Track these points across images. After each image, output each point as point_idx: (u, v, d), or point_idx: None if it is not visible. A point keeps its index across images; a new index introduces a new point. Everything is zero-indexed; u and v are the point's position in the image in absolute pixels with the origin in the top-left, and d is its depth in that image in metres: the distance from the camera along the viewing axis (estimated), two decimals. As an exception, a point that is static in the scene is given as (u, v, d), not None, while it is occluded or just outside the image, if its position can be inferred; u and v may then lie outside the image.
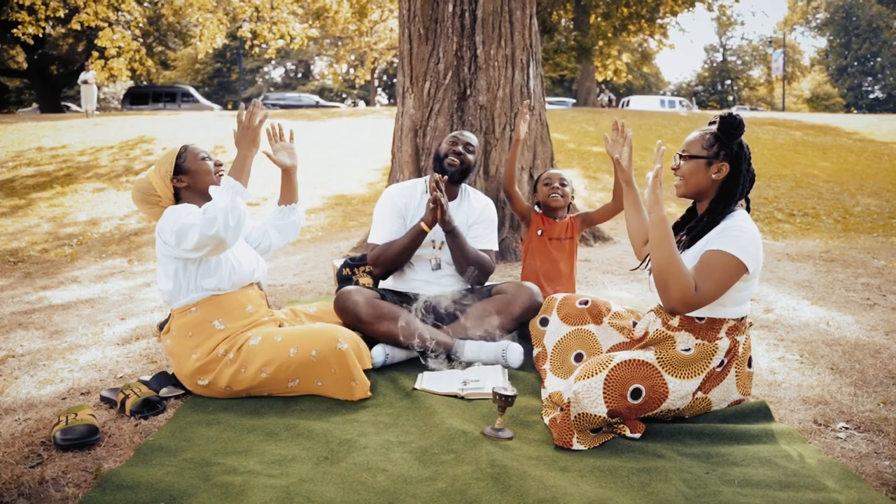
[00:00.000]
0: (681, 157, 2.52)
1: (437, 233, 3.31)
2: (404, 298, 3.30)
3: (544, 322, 3.02)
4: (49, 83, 33.58)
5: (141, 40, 22.70)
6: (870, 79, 54.06)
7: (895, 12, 50.60)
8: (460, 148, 3.39)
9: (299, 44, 16.63)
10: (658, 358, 2.35)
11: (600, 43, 28.80)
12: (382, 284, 3.49)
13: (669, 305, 2.35)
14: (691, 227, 2.54)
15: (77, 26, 15.12)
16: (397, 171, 5.75)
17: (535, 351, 3.01)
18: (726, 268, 2.31)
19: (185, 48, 43.58)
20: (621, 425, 2.29)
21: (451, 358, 3.03)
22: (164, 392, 2.64)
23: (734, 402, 2.49)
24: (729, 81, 56.68)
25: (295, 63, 55.38)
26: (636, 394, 2.27)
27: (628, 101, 36.24)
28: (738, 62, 56.97)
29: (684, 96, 50.45)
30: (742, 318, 2.46)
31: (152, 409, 2.49)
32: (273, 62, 53.05)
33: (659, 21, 28.66)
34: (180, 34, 39.98)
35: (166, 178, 2.69)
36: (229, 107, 35.46)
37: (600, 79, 31.50)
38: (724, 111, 2.49)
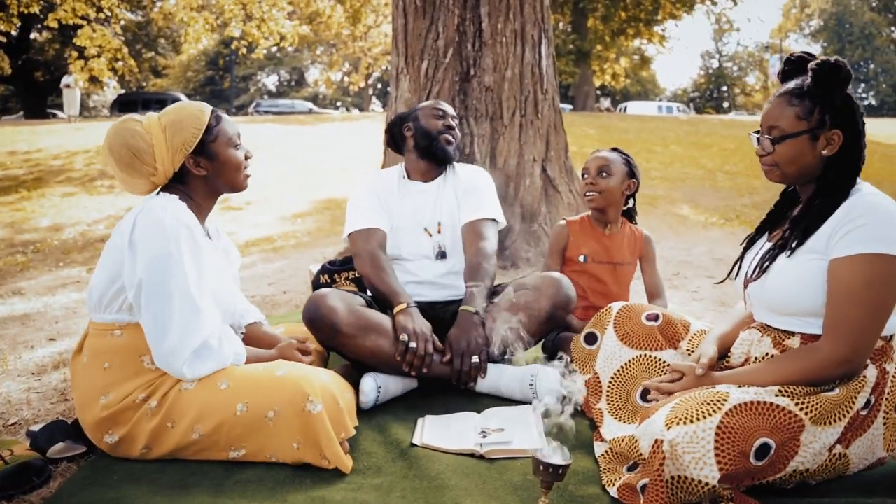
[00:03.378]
0: (770, 140, 1.76)
1: (429, 215, 2.70)
2: None
3: (592, 339, 2.26)
4: (34, 89, 32.79)
5: (122, 38, 21.98)
6: (863, 85, 53.92)
7: (888, 19, 50.47)
8: (451, 120, 2.78)
9: (290, 42, 15.93)
10: (796, 401, 1.59)
11: (598, 47, 28.32)
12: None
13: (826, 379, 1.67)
14: (798, 219, 1.78)
15: (54, 24, 14.39)
16: (390, 164, 5.00)
17: (581, 380, 2.26)
18: (879, 277, 1.58)
19: (178, 56, 42.98)
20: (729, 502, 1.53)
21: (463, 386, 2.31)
22: (54, 451, 1.86)
23: (876, 463, 1.74)
24: (725, 87, 56.46)
25: (289, 70, 54.74)
26: (762, 452, 1.52)
27: (626, 107, 35.71)
28: (735, 68, 56.79)
29: (681, 102, 50.05)
30: (890, 338, 1.72)
31: (25, 483, 1.71)
32: (266, 70, 52.40)
33: (657, 28, 28.20)
34: (171, 40, 39.34)
35: (179, 152, 1.88)
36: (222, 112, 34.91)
37: (598, 83, 31.00)
38: (820, 58, 1.72)
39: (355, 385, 2.20)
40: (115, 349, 1.83)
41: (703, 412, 1.52)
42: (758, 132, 1.81)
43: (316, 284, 3.22)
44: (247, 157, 2.03)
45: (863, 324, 1.60)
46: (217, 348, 1.82)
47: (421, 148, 2.73)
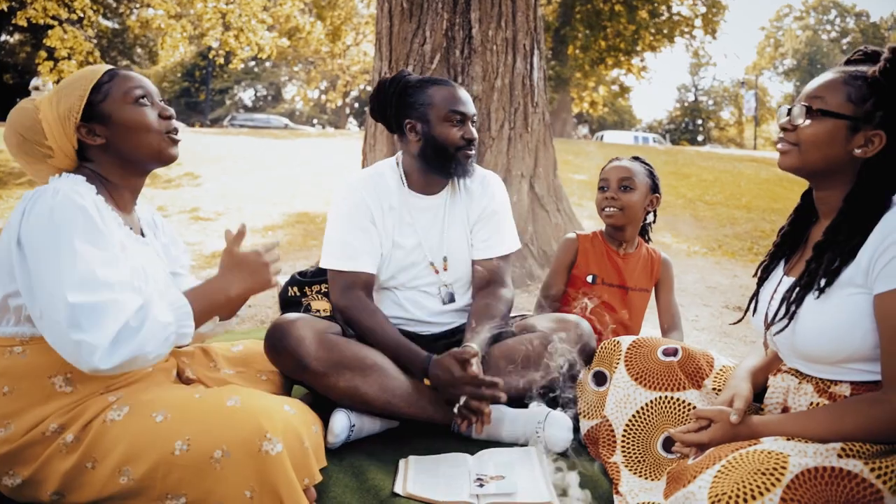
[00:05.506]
0: (808, 110, 1.44)
1: (435, 245, 2.20)
2: None
3: (601, 379, 1.92)
4: (2, 92, 32.05)
5: (95, 43, 21.48)
6: (835, 123, 55.24)
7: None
8: (472, 127, 2.15)
9: (268, 54, 15.63)
10: (870, 465, 1.25)
11: (577, 75, 28.43)
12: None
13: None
14: (823, 246, 1.45)
15: (23, 22, 13.92)
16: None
17: (588, 425, 1.93)
18: None
19: (153, 66, 42.39)
20: None
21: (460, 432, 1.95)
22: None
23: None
24: (700, 121, 57.22)
25: (265, 85, 54.36)
26: None
27: (602, 136, 35.85)
28: (710, 102, 57.61)
29: (657, 133, 50.56)
30: None
31: None
32: (242, 84, 51.94)
33: (635, 60, 28.39)
34: (147, 49, 38.77)
35: (67, 121, 1.53)
36: (196, 126, 34.15)
37: (576, 110, 31.08)
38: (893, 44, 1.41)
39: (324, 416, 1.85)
40: (16, 370, 1.45)
41: (758, 486, 1.19)
42: (789, 108, 1.52)
43: (283, 297, 2.87)
44: (165, 116, 1.61)
45: None
46: (142, 323, 1.39)
47: (428, 159, 2.14)
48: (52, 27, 14.61)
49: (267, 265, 1.64)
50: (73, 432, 1.43)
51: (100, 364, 1.34)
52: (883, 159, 1.41)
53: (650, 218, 2.46)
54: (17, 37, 31.87)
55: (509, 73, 4.54)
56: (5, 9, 13.86)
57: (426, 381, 1.88)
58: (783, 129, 1.48)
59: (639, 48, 27.75)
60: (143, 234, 1.70)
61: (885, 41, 47.84)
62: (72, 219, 1.40)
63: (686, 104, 58.09)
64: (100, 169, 1.58)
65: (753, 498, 1.17)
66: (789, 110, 1.48)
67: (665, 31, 26.44)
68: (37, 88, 18.46)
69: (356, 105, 49.44)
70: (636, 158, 2.43)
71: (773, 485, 1.18)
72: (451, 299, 2.23)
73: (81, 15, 14.28)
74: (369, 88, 4.30)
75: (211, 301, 1.56)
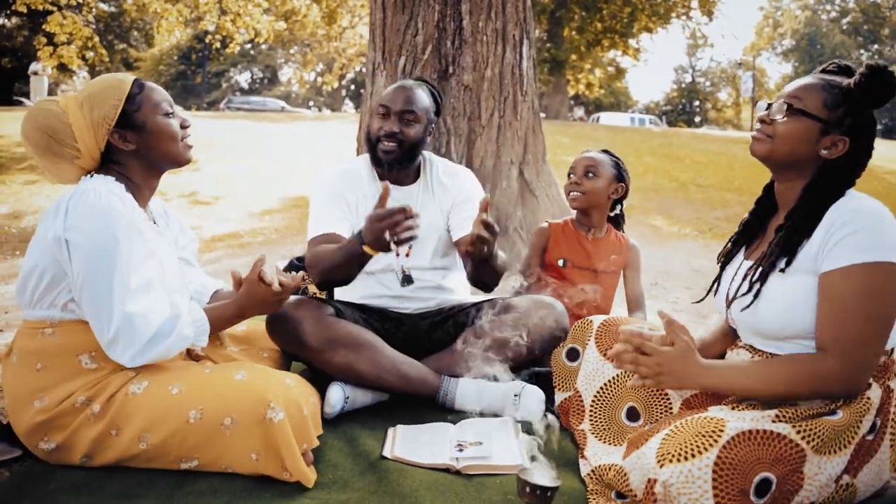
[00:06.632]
0: (788, 107, 1.60)
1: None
2: (371, 315, 2.35)
3: (573, 355, 2.11)
4: (0, 76, 32.00)
5: (94, 26, 21.47)
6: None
7: (857, 42, 51.43)
8: (394, 125, 2.28)
9: (265, 38, 15.65)
10: (797, 427, 1.45)
11: (573, 57, 28.39)
12: (340, 294, 2.48)
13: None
14: (783, 228, 1.63)
15: (23, 8, 13.96)
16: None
17: (561, 397, 2.12)
18: (880, 287, 1.47)
19: (150, 49, 42.17)
20: None
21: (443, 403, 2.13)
22: (-17, 458, 1.69)
23: (883, 488, 1.62)
24: (697, 102, 57.03)
25: (262, 68, 54.15)
26: (763, 488, 1.38)
27: (598, 118, 35.84)
28: (707, 83, 57.36)
29: (653, 115, 50.47)
30: (892, 351, 1.60)
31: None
32: (239, 66, 51.73)
33: (632, 41, 28.33)
34: (144, 33, 38.60)
35: (101, 127, 1.69)
36: (193, 109, 34.16)
37: (572, 93, 31.09)
38: (870, 62, 1.56)
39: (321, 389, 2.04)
40: (47, 349, 1.65)
41: (698, 446, 1.36)
42: (769, 103, 1.68)
43: (283, 282, 3.05)
44: (183, 126, 1.82)
45: (866, 339, 1.48)
46: (170, 333, 1.63)
47: (369, 155, 2.36)
48: (50, 13, 14.65)
49: (280, 300, 1.86)
50: (99, 403, 1.63)
51: (128, 363, 1.60)
52: (843, 162, 1.59)
53: (618, 208, 2.64)
54: (14, 21, 31.75)
55: (499, 63, 4.68)
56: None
57: (366, 248, 1.94)
58: (761, 120, 1.66)
59: (634, 30, 27.72)
60: (155, 223, 1.88)
61: (885, 21, 47.51)
62: (117, 220, 1.59)
63: (683, 85, 57.80)
64: (125, 170, 1.76)
65: (693, 456, 1.35)
66: (769, 105, 1.66)
67: (661, 13, 26.39)
68: (36, 73, 18.52)
69: (352, 87, 49.28)
70: (605, 151, 2.61)
71: (711, 445, 1.36)
72: (409, 281, 2.37)
73: (81, 1, 14.29)
74: (364, 71, 4.45)
75: (227, 321, 1.83)
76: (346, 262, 2.04)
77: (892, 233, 1.49)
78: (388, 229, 1.82)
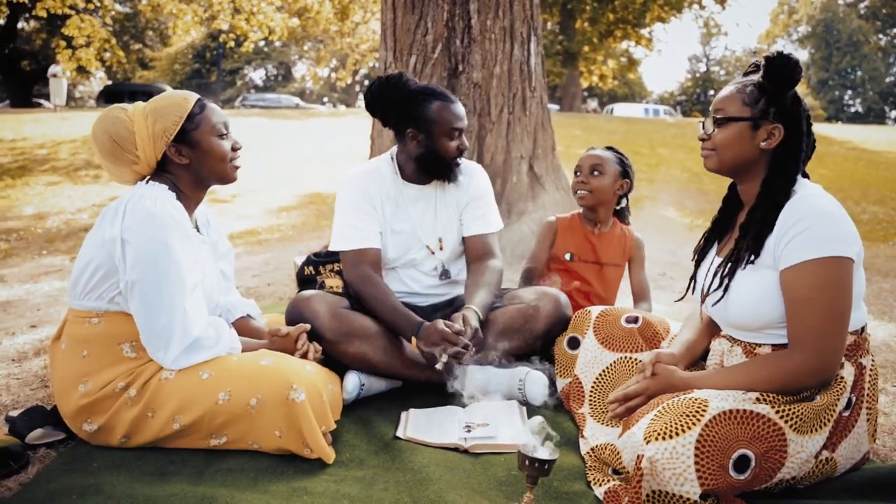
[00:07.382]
0: (715, 120, 1.74)
1: (429, 229, 2.49)
2: None
3: (574, 344, 2.24)
4: (20, 78, 32.39)
5: (111, 28, 21.73)
6: (850, 92, 54.11)
7: (875, 27, 50.76)
8: (464, 138, 2.43)
9: (279, 36, 15.81)
10: (777, 408, 1.56)
11: (586, 48, 28.33)
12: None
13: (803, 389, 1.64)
14: (746, 226, 1.74)
15: (42, 13, 14.19)
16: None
17: (563, 383, 2.25)
18: (831, 281, 1.57)
19: (165, 48, 42.49)
20: None
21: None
22: (32, 437, 1.84)
23: (862, 460, 1.74)
24: (712, 91, 56.65)
25: (276, 65, 54.44)
26: (742, 464, 1.50)
27: (612, 109, 35.74)
28: (722, 72, 56.94)
29: (668, 105, 50.22)
30: (862, 330, 1.72)
31: (3, 468, 1.68)
32: (253, 64, 52.05)
33: (644, 31, 28.20)
34: (159, 32, 38.93)
35: (160, 139, 1.84)
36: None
37: (585, 84, 31.03)
38: (775, 51, 1.69)
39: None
40: (93, 337, 1.81)
41: (682, 425, 1.48)
42: (702, 122, 1.81)
43: (300, 275, 3.20)
44: (234, 149, 1.97)
45: (826, 331, 1.58)
46: (209, 343, 1.81)
47: (425, 165, 2.43)
48: (69, 16, 14.87)
49: (296, 350, 2.06)
50: (136, 388, 1.79)
51: (170, 365, 1.78)
52: (787, 147, 1.72)
53: (623, 202, 2.74)
54: (32, 24, 32.15)
55: (507, 61, 4.80)
56: (25, 0, 14.10)
57: (414, 342, 2.17)
58: (701, 139, 1.80)
59: (647, 20, 27.61)
60: (199, 232, 2.03)
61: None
62: (170, 226, 1.75)
63: (697, 75, 57.41)
64: (176, 181, 1.92)
65: (677, 434, 1.47)
66: (703, 124, 1.80)
67: (673, 2, 26.26)
68: (55, 76, 18.80)
69: (365, 83, 49.41)
70: (609, 148, 2.71)
71: (693, 424, 1.49)
72: (447, 276, 2.54)
73: (98, 4, 14.48)
74: (377, 68, 4.55)
75: (249, 349, 2.00)
76: (390, 325, 2.26)
77: (839, 228, 1.60)
78: (445, 349, 2.05)
